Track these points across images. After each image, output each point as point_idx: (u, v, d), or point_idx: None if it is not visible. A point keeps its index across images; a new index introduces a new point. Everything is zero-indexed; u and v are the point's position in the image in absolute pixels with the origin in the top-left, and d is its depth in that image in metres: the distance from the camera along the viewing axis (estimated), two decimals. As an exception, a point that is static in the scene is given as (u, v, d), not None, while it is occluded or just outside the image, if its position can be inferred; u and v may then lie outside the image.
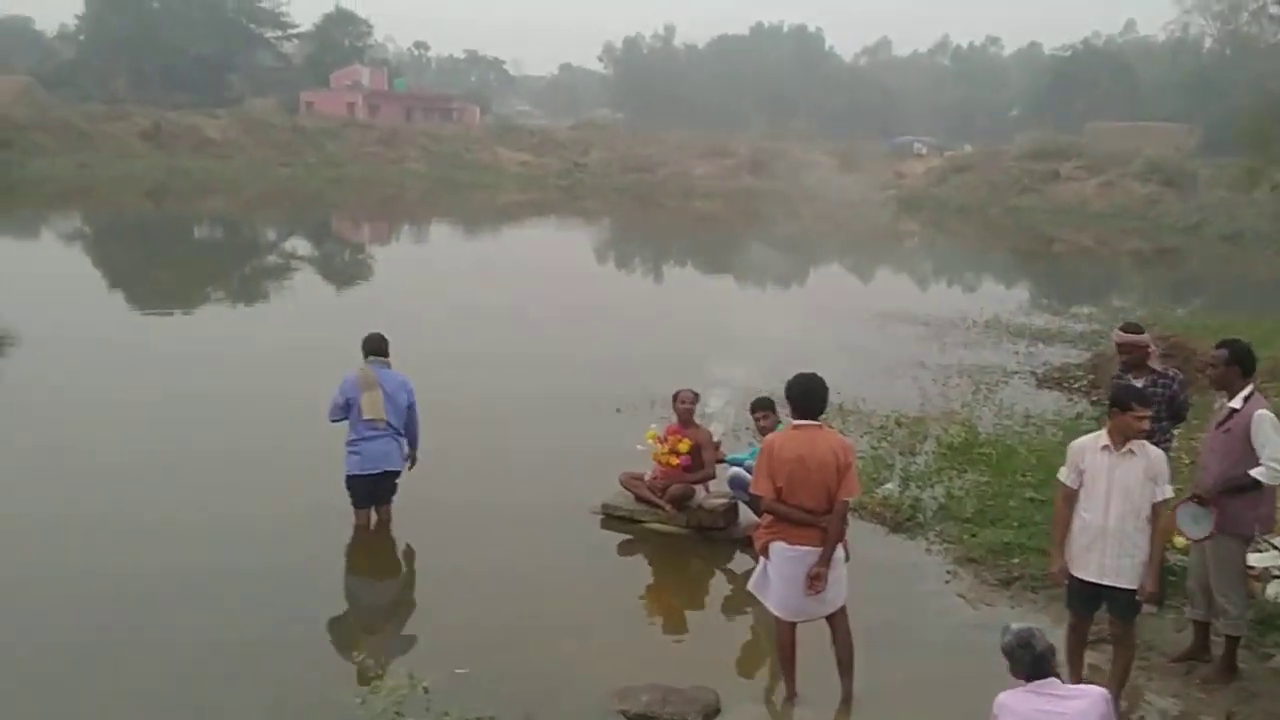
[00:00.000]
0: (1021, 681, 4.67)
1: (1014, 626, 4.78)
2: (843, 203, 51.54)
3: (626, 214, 47.88)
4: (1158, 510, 5.74)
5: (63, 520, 8.57)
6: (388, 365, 8.57)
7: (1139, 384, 7.02)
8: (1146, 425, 5.93)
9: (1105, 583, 5.85)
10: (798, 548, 5.93)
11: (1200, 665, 6.54)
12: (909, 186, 57.41)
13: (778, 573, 6.02)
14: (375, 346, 8.61)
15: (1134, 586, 5.78)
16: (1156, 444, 6.20)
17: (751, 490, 6.48)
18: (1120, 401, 5.86)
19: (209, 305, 20.60)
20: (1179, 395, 7.34)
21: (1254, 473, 6.05)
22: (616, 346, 16.35)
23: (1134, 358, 7.35)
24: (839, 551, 5.96)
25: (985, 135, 79.33)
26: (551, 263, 29.03)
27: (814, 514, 5.88)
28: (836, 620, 6.11)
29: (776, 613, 6.09)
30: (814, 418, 5.98)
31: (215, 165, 51.16)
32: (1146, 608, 6.15)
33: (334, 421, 8.42)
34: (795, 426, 6.04)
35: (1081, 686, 4.88)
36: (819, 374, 6.12)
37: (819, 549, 5.89)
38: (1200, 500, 6.19)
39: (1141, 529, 5.75)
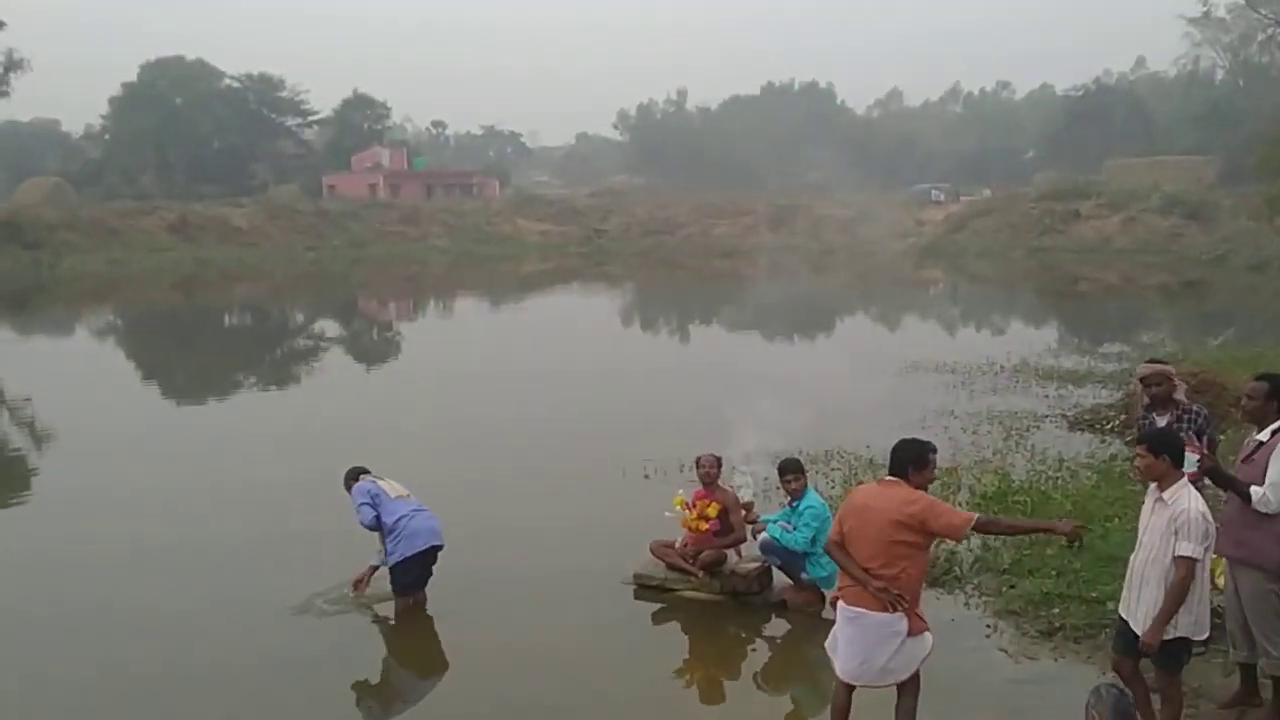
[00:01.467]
0: None
1: (1104, 690, 4.67)
2: (864, 254, 51.65)
3: (648, 276, 48.16)
4: (1178, 564, 5.55)
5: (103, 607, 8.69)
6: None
7: (1163, 420, 6.92)
8: (1140, 464, 5.84)
9: (1125, 617, 5.83)
10: (853, 609, 5.83)
11: (1251, 710, 6.38)
12: (929, 234, 57.46)
13: (840, 630, 5.95)
14: (359, 471, 8.79)
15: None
16: None
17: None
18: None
19: (242, 392, 20.76)
20: (1204, 430, 7.21)
21: (1252, 490, 5.99)
22: (644, 409, 16.36)
23: (1160, 391, 7.24)
24: (901, 623, 5.74)
25: (1002, 179, 79.47)
26: (575, 328, 29.21)
27: (868, 572, 5.75)
28: (902, 692, 5.97)
29: (836, 670, 6.02)
30: (895, 473, 5.91)
31: (242, 253, 52.05)
32: (1196, 652, 6.02)
33: (372, 525, 8.44)
34: (879, 481, 6.04)
35: None
36: (923, 439, 6.02)
37: (871, 613, 5.75)
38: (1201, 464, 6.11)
39: (1160, 579, 5.64)
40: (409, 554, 8.35)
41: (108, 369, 23.08)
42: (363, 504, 8.37)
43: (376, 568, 8.58)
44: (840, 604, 5.93)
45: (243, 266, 48.68)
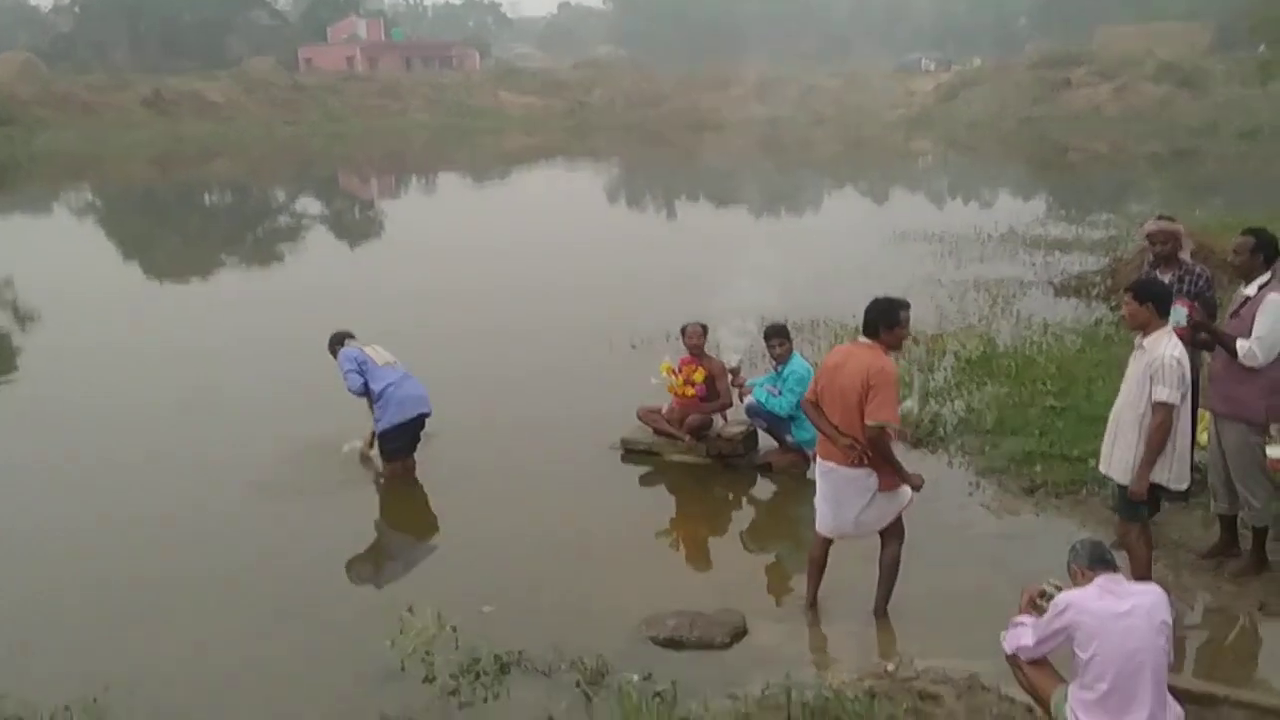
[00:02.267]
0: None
1: (1078, 545, 4.76)
2: (853, 125, 50.93)
3: (635, 150, 47.51)
4: (1154, 410, 5.59)
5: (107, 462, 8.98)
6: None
7: (1165, 278, 6.87)
8: (1125, 311, 5.84)
9: (1104, 470, 5.92)
10: (826, 464, 5.98)
11: (1230, 560, 6.51)
12: (919, 104, 56.70)
13: (816, 485, 6.09)
14: (344, 336, 8.74)
15: (1123, 482, 5.78)
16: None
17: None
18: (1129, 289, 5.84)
19: (225, 271, 20.57)
20: (1205, 292, 7.13)
21: (1238, 343, 6.01)
22: (630, 282, 16.26)
23: (1165, 249, 7.17)
24: (872, 479, 5.85)
25: (993, 47, 78.03)
26: (560, 204, 28.89)
27: (838, 430, 5.83)
28: (885, 540, 6.10)
29: (817, 523, 6.14)
30: (868, 335, 5.89)
31: (218, 128, 51.10)
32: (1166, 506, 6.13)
33: (360, 390, 8.43)
34: (853, 342, 6.03)
35: (1144, 583, 4.81)
36: (895, 296, 5.95)
37: (841, 468, 5.87)
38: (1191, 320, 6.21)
39: (1134, 424, 5.69)
40: (396, 421, 8.37)
41: (89, 248, 22.82)
42: (350, 371, 8.34)
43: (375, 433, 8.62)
44: (818, 457, 6.06)
45: (220, 142, 47.80)
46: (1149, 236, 7.34)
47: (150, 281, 19.41)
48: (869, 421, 5.70)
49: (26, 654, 6.04)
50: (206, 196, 35.14)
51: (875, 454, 5.81)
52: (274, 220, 29.08)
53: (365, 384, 8.36)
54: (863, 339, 5.90)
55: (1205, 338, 6.38)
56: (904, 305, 5.89)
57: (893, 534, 6.07)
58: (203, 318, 14.74)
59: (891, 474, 5.87)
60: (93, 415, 10.38)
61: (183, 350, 12.61)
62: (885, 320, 5.82)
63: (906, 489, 5.97)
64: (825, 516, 6.07)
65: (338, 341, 8.70)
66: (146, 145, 46.04)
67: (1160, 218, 7.28)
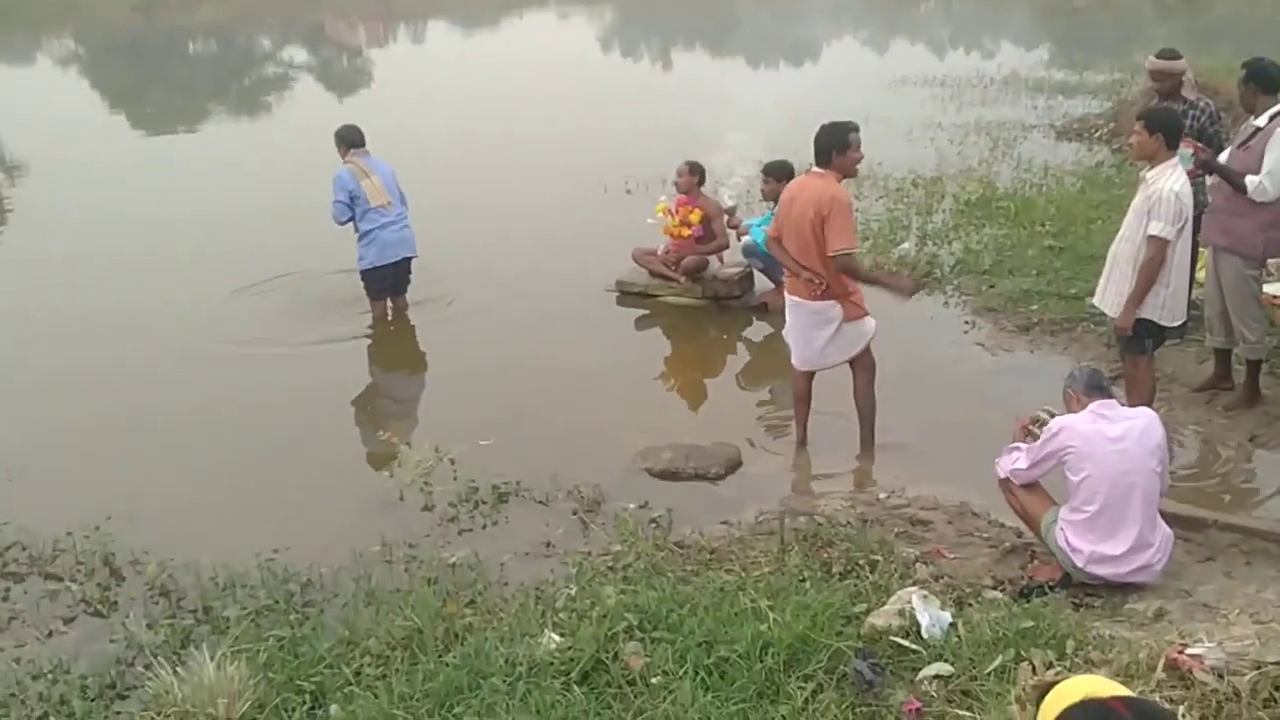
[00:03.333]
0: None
1: (1077, 371, 4.78)
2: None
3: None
4: (1148, 243, 5.50)
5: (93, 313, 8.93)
6: (368, 154, 8.35)
7: None
8: (1134, 140, 5.73)
9: (1097, 303, 5.93)
10: (792, 297, 6.02)
11: (1223, 393, 6.54)
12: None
13: (786, 318, 6.11)
14: (355, 138, 8.34)
15: (1115, 316, 5.77)
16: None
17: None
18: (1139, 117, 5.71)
19: (214, 124, 20.11)
20: (1209, 127, 6.98)
21: (1248, 178, 5.92)
22: (626, 128, 15.92)
23: (1166, 86, 7.00)
24: (835, 310, 5.85)
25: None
26: (553, 53, 28.15)
27: (798, 262, 5.82)
28: (856, 371, 6.12)
29: (792, 359, 6.16)
30: (820, 163, 5.80)
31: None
32: (1168, 342, 6.13)
33: (343, 223, 8.28)
34: (808, 172, 5.92)
35: (1137, 409, 4.83)
36: (842, 120, 5.83)
37: (805, 302, 5.88)
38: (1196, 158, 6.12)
39: (1130, 258, 5.64)
40: (376, 263, 8.29)
41: (76, 101, 22.26)
42: (339, 202, 8.15)
43: None
44: (785, 292, 6.09)
45: (205, -13, 46.21)
46: (1150, 74, 7.21)
47: (138, 136, 18.95)
48: (830, 253, 5.67)
49: (24, 482, 6.09)
50: (191, 45, 34.19)
51: (852, 280, 5.82)
52: (261, 70, 28.36)
53: (351, 217, 8.22)
54: (816, 169, 5.81)
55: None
56: (853, 128, 5.78)
57: (862, 365, 6.09)
58: (196, 177, 14.38)
59: (854, 305, 5.88)
60: (80, 270, 10.21)
61: (167, 215, 12.24)
62: (836, 144, 5.73)
63: (871, 320, 5.99)
64: (796, 350, 6.12)
65: (346, 141, 8.33)
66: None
67: (1161, 54, 7.10)
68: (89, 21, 37.91)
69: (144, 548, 5.20)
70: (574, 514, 5.58)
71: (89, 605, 4.87)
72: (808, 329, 5.98)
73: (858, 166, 5.90)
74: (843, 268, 5.73)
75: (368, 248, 8.26)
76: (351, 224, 8.27)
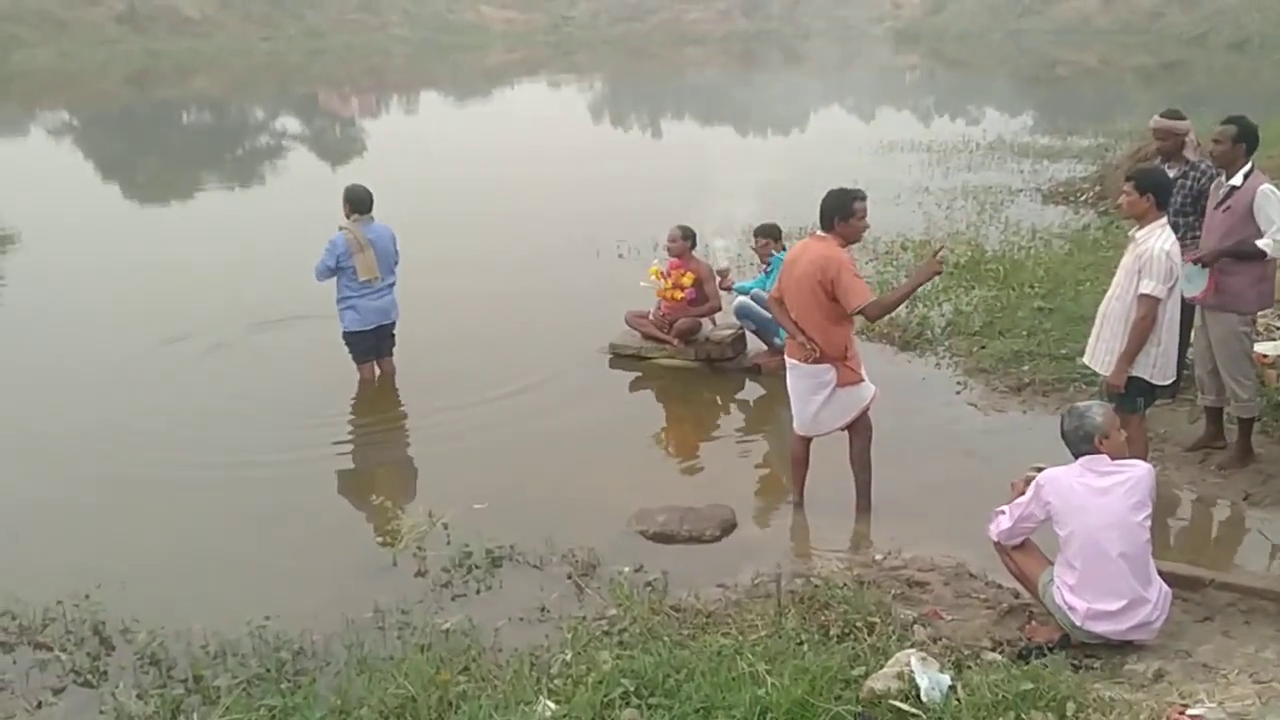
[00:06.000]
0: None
1: (1068, 410, 4.76)
2: (840, 39, 50.21)
3: (620, 65, 46.82)
4: (1139, 302, 5.54)
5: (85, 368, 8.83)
6: (372, 220, 8.34)
7: (1171, 174, 6.80)
8: (1124, 200, 5.77)
9: (1087, 362, 5.94)
10: (790, 360, 6.05)
11: (1216, 452, 6.56)
12: (907, 16, 55.92)
13: (788, 382, 6.12)
14: (362, 204, 8.30)
15: (1105, 374, 5.78)
16: (1181, 240, 6.03)
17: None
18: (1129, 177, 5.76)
19: (205, 193, 20.24)
20: (1208, 190, 7.03)
21: (1260, 244, 5.98)
22: (618, 195, 16.11)
23: (1169, 146, 7.07)
24: (829, 374, 5.87)
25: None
26: (544, 123, 28.52)
27: (796, 325, 5.86)
28: (853, 437, 6.12)
29: (794, 423, 6.18)
30: (824, 228, 5.86)
31: (195, 44, 50.17)
32: (1160, 401, 6.14)
33: (322, 281, 8.30)
34: (811, 235, 6.00)
35: (1130, 461, 4.77)
36: (850, 187, 5.89)
37: (801, 364, 5.91)
38: (1199, 262, 6.14)
39: (1121, 316, 5.67)
40: (353, 328, 8.31)
41: (67, 167, 22.43)
42: (325, 265, 8.14)
43: None
44: (785, 357, 6.13)
45: (197, 59, 46.90)
46: (1154, 133, 7.28)
47: (130, 204, 19.07)
48: (851, 311, 5.74)
49: (14, 546, 6.04)
50: (184, 115, 34.51)
51: (888, 308, 5.97)
52: (255, 139, 28.61)
53: (332, 277, 8.20)
54: (819, 232, 5.87)
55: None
56: (859, 196, 5.83)
57: (858, 431, 6.09)
58: (187, 239, 14.49)
59: (849, 370, 5.89)
60: (73, 325, 10.27)
61: (154, 275, 12.31)
62: (840, 211, 5.78)
63: (868, 386, 6.00)
64: (795, 413, 6.14)
65: (352, 203, 8.29)
66: (123, 62, 45.17)
67: (1166, 114, 7.18)
68: (82, 93, 38.34)
69: (134, 615, 5.12)
70: (569, 578, 5.53)
71: (79, 675, 4.79)
72: (804, 392, 6.00)
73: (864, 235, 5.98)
74: (873, 318, 5.90)
75: (345, 312, 8.29)
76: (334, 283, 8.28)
